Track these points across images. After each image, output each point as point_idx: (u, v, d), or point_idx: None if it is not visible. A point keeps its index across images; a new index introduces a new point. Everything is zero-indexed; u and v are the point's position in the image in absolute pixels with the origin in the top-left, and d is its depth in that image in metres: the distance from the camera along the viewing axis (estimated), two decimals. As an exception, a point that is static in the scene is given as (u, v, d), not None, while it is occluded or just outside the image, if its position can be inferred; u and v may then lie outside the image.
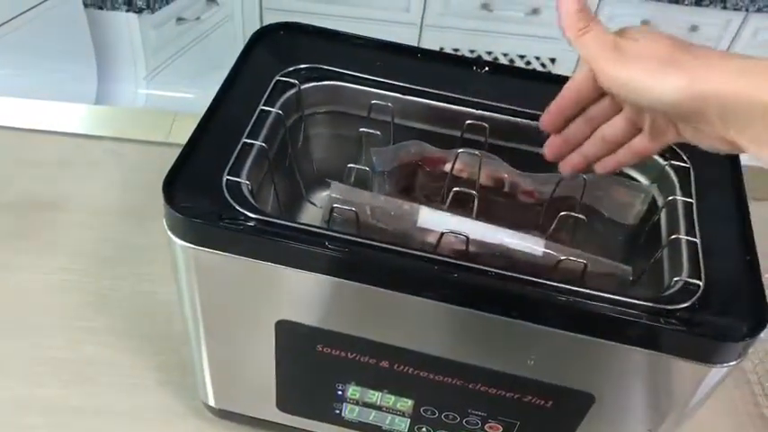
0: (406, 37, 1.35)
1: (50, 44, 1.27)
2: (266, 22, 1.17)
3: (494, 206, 0.61)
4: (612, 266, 0.56)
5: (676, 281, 0.50)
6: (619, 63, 0.45)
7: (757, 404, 0.76)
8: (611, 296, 0.49)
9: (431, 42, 1.33)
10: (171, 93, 1.42)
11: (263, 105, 0.58)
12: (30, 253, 0.84)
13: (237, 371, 0.63)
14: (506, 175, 0.62)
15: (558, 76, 0.67)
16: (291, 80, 0.61)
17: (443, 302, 0.50)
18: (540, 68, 1.35)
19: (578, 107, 0.52)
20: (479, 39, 1.29)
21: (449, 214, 0.57)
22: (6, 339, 0.76)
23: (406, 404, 0.59)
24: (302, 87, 0.62)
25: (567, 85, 0.52)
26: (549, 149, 0.56)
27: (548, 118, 0.54)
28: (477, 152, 0.60)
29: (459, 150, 0.60)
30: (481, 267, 0.50)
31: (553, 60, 1.31)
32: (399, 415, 0.61)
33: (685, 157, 0.59)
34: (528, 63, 1.31)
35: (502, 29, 1.28)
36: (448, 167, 0.62)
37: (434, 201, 0.63)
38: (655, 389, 0.52)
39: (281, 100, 0.60)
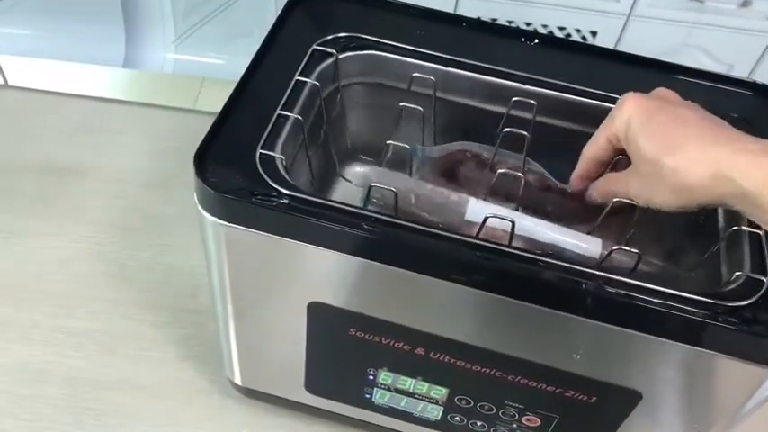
0: (443, 6, 1.30)
1: (78, 5, 1.24)
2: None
3: (538, 194, 0.58)
4: (680, 274, 0.53)
5: (738, 275, 0.47)
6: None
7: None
8: (666, 290, 0.45)
9: (467, 11, 1.27)
10: (199, 58, 1.39)
11: (299, 76, 0.55)
12: (52, 220, 0.82)
13: (266, 350, 0.61)
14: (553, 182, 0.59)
15: (611, 50, 0.63)
16: (329, 49, 0.58)
17: (485, 290, 0.47)
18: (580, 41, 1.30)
19: (601, 171, 0.54)
20: (518, 9, 1.24)
21: (499, 208, 0.54)
22: (27, 308, 0.75)
23: (441, 392, 0.57)
24: (340, 57, 0.58)
25: (586, 155, 0.53)
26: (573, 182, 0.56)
27: (575, 185, 0.56)
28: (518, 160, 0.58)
29: (500, 171, 0.55)
30: (526, 255, 0.47)
31: (594, 33, 1.26)
32: (432, 403, 0.58)
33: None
34: (568, 35, 1.26)
35: (542, -1, 1.22)
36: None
37: (479, 184, 0.59)
38: (707, 390, 0.49)
39: (318, 70, 0.57)
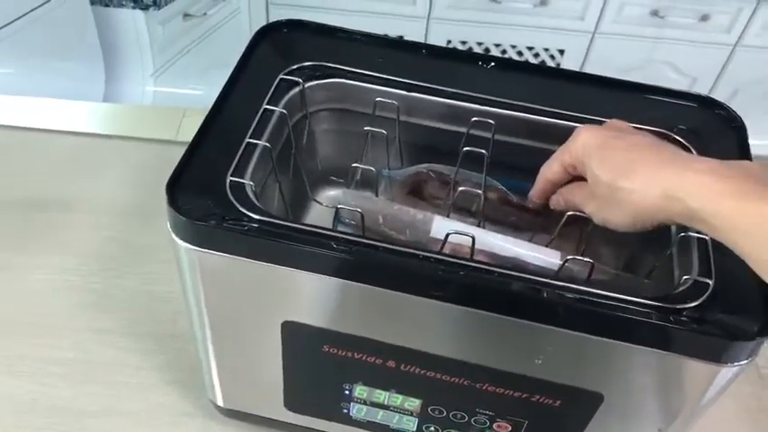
0: (414, 30, 1.34)
1: (57, 43, 1.26)
2: (272, 17, 1.16)
3: (500, 209, 0.61)
4: (635, 281, 0.55)
5: (686, 279, 0.49)
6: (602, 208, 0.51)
7: (770, 400, 0.76)
8: (620, 295, 0.48)
9: (438, 35, 1.32)
10: (179, 90, 1.41)
11: (267, 104, 0.58)
12: (36, 253, 0.84)
13: (245, 371, 0.63)
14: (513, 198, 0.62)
15: (564, 70, 0.66)
16: (295, 78, 0.61)
17: (449, 303, 0.49)
18: (548, 60, 1.34)
19: (556, 189, 0.56)
20: (487, 31, 1.28)
21: (463, 225, 0.57)
22: (12, 340, 0.76)
23: (414, 404, 0.59)
24: (306, 85, 0.61)
25: (542, 176, 0.56)
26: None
27: (533, 201, 0.59)
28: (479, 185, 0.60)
29: (461, 188, 0.58)
30: (487, 267, 0.49)
31: (562, 52, 1.30)
32: (407, 414, 0.60)
33: (695, 153, 0.58)
34: (536, 55, 1.30)
35: (510, 21, 1.27)
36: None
37: (442, 201, 0.62)
38: (664, 388, 0.51)
39: (285, 99, 0.60)
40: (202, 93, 1.40)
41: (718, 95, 0.82)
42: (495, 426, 0.58)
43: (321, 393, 0.62)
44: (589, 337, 0.48)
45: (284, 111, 0.58)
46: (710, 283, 0.48)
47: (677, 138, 0.58)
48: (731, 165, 0.45)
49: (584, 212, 0.53)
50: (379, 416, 0.61)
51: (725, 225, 0.43)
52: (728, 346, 0.47)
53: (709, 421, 0.55)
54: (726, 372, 0.48)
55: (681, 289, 0.49)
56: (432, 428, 0.61)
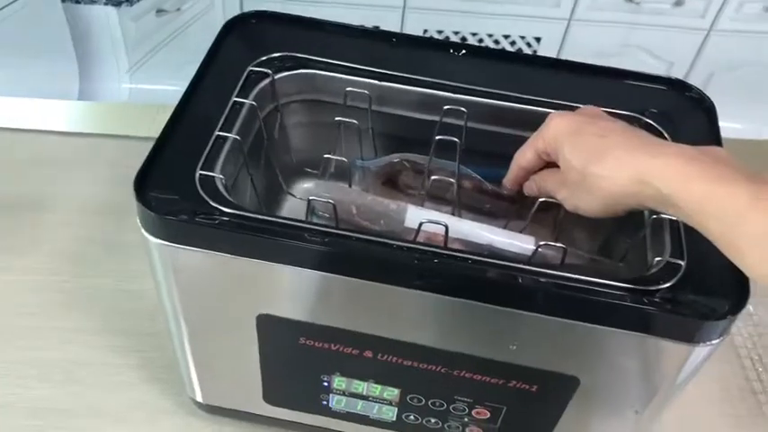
0: (390, 20, 1.34)
1: (29, 41, 1.25)
2: (246, 10, 1.14)
3: (475, 196, 0.61)
4: (609, 265, 0.55)
5: (658, 261, 0.50)
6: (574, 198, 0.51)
7: (747, 378, 0.76)
8: (593, 279, 0.48)
9: (414, 25, 1.31)
10: (154, 86, 1.40)
11: (236, 97, 0.57)
12: (11, 253, 0.83)
13: (222, 366, 0.62)
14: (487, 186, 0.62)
15: (535, 57, 0.66)
16: (264, 70, 0.60)
17: (424, 291, 0.49)
18: (525, 48, 1.34)
19: (529, 176, 0.56)
20: (463, 20, 1.28)
21: (437, 214, 0.56)
22: (-9, 342, 0.76)
23: (393, 393, 0.59)
24: (276, 77, 0.61)
25: (515, 163, 0.56)
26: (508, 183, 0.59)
27: (508, 187, 0.59)
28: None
29: (434, 177, 0.58)
30: (461, 255, 0.49)
31: (538, 40, 1.29)
32: (387, 404, 0.60)
33: (667, 136, 0.58)
34: (513, 43, 1.29)
35: (486, 9, 1.26)
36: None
37: (416, 191, 0.62)
38: (639, 370, 0.51)
39: (255, 91, 0.59)
40: (178, 88, 1.38)
41: (694, 80, 0.82)
42: (473, 412, 0.58)
43: (300, 386, 0.61)
44: (563, 321, 0.48)
45: (254, 103, 0.58)
46: (683, 264, 0.49)
47: (648, 121, 0.59)
48: (701, 150, 0.45)
49: (556, 199, 0.53)
50: (359, 406, 0.61)
51: (694, 209, 0.43)
52: (701, 326, 0.47)
53: (688, 402, 0.56)
54: (699, 351, 0.48)
55: (654, 271, 0.49)
56: (411, 417, 0.61)
